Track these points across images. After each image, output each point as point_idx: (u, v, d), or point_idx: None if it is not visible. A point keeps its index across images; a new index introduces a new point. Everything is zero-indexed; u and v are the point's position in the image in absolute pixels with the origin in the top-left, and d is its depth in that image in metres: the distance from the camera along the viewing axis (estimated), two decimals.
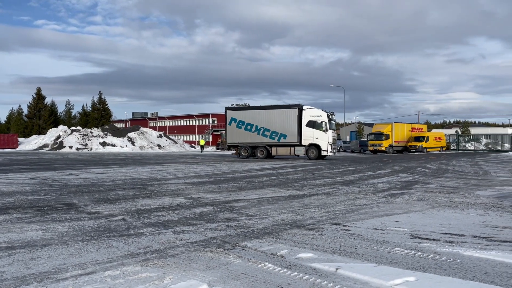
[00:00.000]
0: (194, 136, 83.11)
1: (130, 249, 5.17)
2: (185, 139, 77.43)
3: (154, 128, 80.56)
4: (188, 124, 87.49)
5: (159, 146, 53.91)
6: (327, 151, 27.74)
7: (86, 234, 5.96)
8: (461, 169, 20.50)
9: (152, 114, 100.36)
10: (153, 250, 5.10)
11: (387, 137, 44.83)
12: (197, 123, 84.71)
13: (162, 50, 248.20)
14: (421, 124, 61.13)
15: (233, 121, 30.89)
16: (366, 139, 52.89)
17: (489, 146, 53.12)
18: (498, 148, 50.83)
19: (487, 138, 57.37)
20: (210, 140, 76.33)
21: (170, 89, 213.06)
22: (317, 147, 27.92)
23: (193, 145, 67.88)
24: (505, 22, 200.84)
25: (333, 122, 29.21)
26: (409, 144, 47.68)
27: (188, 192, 10.81)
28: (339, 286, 3.89)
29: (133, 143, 52.86)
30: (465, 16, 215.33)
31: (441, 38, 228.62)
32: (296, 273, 4.25)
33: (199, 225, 6.61)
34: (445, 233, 6.14)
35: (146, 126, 76.44)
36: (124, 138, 53.62)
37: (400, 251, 5.10)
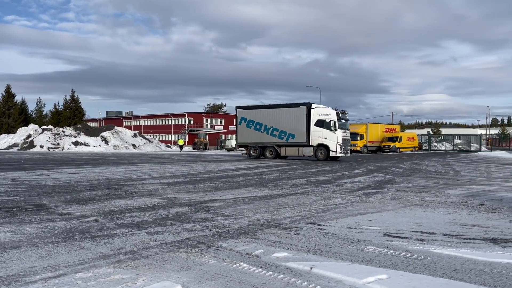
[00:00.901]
0: (170, 135, 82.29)
1: (102, 250, 5.07)
2: (160, 139, 76.51)
3: (129, 127, 79.31)
4: (163, 123, 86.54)
5: (133, 145, 53.12)
6: (336, 151, 25.97)
7: (57, 235, 5.81)
8: (432, 169, 21.04)
9: (127, 113, 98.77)
10: (126, 252, 5.01)
11: (362, 137, 45.56)
12: (173, 123, 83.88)
13: (138, 48, 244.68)
14: (394, 124, 62.47)
15: (243, 121, 29.91)
16: None
17: (459, 146, 54.70)
18: (468, 148, 52.39)
19: (457, 138, 59.12)
20: (187, 140, 75.69)
21: (145, 88, 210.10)
22: (325, 147, 26.25)
23: (168, 144, 67.18)
24: (475, 26, 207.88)
25: (345, 121, 27.33)
26: (383, 144, 48.60)
27: (163, 193, 10.69)
28: (313, 285, 3.92)
29: (107, 142, 51.89)
30: (438, 19, 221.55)
31: (415, 40, 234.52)
32: (271, 272, 4.26)
33: (174, 226, 6.54)
34: (417, 231, 6.29)
35: (120, 125, 75.14)
36: (98, 137, 52.56)
37: (373, 250, 5.19)
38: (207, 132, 70.99)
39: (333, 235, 6.01)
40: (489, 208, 8.52)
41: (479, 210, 8.35)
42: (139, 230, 6.22)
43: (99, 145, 51.12)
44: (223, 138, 70.67)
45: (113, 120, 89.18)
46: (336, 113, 26.31)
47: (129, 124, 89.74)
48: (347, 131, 27.35)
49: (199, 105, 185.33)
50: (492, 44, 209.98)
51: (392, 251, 5.13)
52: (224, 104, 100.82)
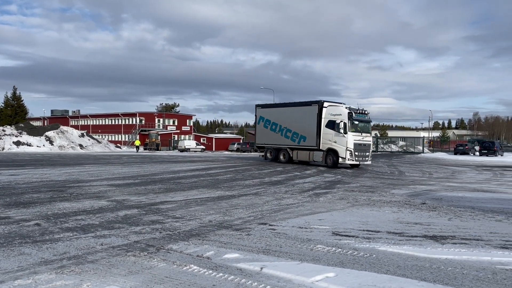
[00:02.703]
0: (120, 135, 79.82)
1: (44, 256, 4.82)
2: (110, 139, 74.01)
3: (76, 127, 76.06)
4: (113, 123, 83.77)
5: (81, 146, 51.02)
6: (345, 158, 21.70)
7: None
8: (379, 169, 21.93)
9: (74, 112, 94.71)
10: (70, 256, 4.80)
11: None
12: (123, 122, 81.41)
13: (86, 44, 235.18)
14: None
15: (261, 120, 27.11)
16: None
17: (404, 148, 57.41)
18: (412, 150, 55.10)
19: (402, 140, 62.05)
20: (137, 140, 73.75)
21: (94, 86, 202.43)
22: (335, 153, 22.23)
23: (118, 145, 65.13)
24: (419, 33, 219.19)
25: (361, 122, 22.44)
26: None
27: (111, 195, 10.34)
28: (263, 285, 3.95)
29: (51, 142, 49.47)
30: (385, 26, 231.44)
31: (364, 45, 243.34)
32: (221, 274, 4.25)
33: (122, 229, 6.35)
34: (363, 230, 6.51)
35: (66, 124, 71.88)
36: (42, 137, 49.99)
37: (322, 248, 5.31)
38: (159, 133, 69.61)
39: (284, 235, 6.09)
40: (430, 207, 8.99)
41: (421, 208, 8.80)
42: (84, 233, 5.98)
43: (43, 145, 48.65)
44: (176, 138, 69.60)
45: (58, 119, 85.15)
46: (348, 113, 21.95)
47: (76, 124, 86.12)
48: (363, 134, 22.43)
49: (151, 104, 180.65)
50: (434, 51, 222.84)
51: (340, 249, 5.28)
52: (177, 104, 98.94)
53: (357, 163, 22.29)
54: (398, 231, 6.49)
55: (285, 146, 25.35)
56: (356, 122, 22.09)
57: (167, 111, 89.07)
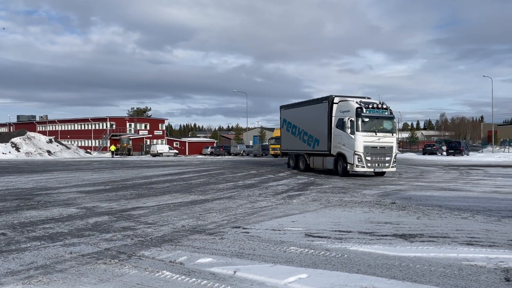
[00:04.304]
0: (90, 141, 78.02)
1: (10, 266, 4.65)
2: (80, 145, 72.24)
3: (44, 132, 73.81)
4: (83, 128, 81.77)
5: (49, 152, 49.56)
6: (353, 164, 17.44)
7: None
8: None
9: (41, 117, 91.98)
10: (38, 266, 4.66)
11: None
12: (93, 127, 79.59)
13: (53, 48, 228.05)
14: None
15: (284, 123, 24.18)
16: (267, 143, 54.69)
17: None
18: None
19: None
20: (108, 145, 72.29)
21: (62, 91, 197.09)
22: (344, 158, 18.09)
23: (88, 150, 63.67)
24: (388, 36, 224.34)
25: (372, 119, 17.74)
26: None
27: (81, 202, 10.10)
28: None
29: (18, 149, 47.82)
30: (355, 29, 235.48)
31: (335, 49, 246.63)
32: (194, 279, 4.22)
33: (92, 236, 6.21)
34: (335, 231, 6.61)
35: (34, 130, 69.69)
36: (7, 143, 48.25)
37: (295, 250, 5.36)
38: (131, 137, 68.46)
39: (258, 238, 6.11)
40: (400, 206, 9.22)
41: (391, 208, 9.00)
42: (53, 242, 5.81)
43: (9, 152, 46.99)
44: (148, 143, 68.61)
45: (25, 125, 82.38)
46: (357, 108, 17.65)
47: (44, 129, 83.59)
48: (380, 134, 17.65)
49: (122, 109, 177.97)
50: (403, 54, 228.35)
51: (312, 250, 5.34)
52: (149, 108, 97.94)
53: (370, 170, 17.91)
54: (369, 230, 6.62)
55: (303, 152, 21.98)
56: (367, 119, 17.55)
57: (139, 115, 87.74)
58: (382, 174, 18.72)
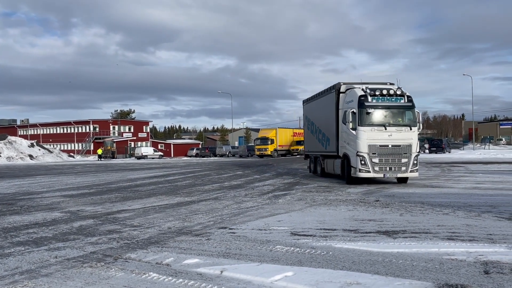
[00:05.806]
0: (73, 144, 76.95)
1: None
2: (62, 148, 71.20)
3: (25, 136, 72.57)
4: (65, 131, 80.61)
5: (30, 156, 48.73)
6: (356, 168, 13.72)
7: None
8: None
9: (22, 121, 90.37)
10: (23, 271, 4.62)
11: (272, 141, 47.19)
12: (76, 131, 78.55)
13: (33, 50, 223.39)
14: (302, 129, 65.58)
15: (306, 121, 21.17)
16: (253, 144, 54.81)
17: None
18: None
19: None
20: (92, 148, 71.39)
21: (43, 94, 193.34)
22: (348, 160, 14.36)
23: (71, 154, 62.80)
24: (370, 37, 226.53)
25: (379, 109, 13.85)
26: (292, 148, 50.71)
27: (65, 206, 10.00)
28: None
29: None
30: (338, 29, 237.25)
31: (319, 49, 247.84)
32: (181, 280, 4.25)
33: (77, 240, 6.17)
34: (320, 229, 6.71)
35: (15, 134, 68.42)
36: None
37: (281, 249, 5.43)
38: (115, 140, 67.75)
39: (244, 237, 6.16)
40: (383, 204, 9.38)
41: (374, 206, 9.15)
42: (37, 247, 5.76)
43: None
44: (133, 145, 67.99)
45: (6, 129, 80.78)
46: (360, 96, 13.91)
47: (25, 133, 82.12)
48: (391, 129, 13.67)
49: (105, 111, 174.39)
50: (385, 54, 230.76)
51: (298, 249, 5.41)
52: (133, 110, 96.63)
53: (379, 176, 13.94)
54: (353, 228, 6.73)
55: (318, 153, 18.52)
56: (371, 110, 13.70)
57: (123, 117, 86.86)
58: (404, 180, 14.48)
